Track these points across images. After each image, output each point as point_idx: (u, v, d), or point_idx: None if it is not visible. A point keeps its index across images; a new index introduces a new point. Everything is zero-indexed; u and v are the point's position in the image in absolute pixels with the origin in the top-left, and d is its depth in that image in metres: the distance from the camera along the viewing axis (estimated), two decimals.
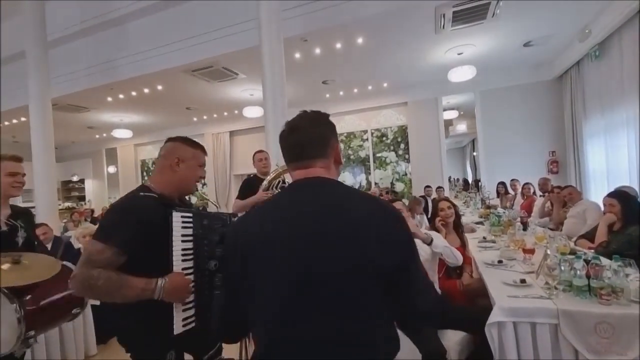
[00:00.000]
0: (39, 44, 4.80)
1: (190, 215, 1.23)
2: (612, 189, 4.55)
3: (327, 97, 7.96)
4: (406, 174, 8.15)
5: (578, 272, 1.62)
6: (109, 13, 5.22)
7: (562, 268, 1.69)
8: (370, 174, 8.45)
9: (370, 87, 7.49)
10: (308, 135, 0.96)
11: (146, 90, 6.34)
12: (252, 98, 7.04)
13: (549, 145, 6.82)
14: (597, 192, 5.33)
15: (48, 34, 4.97)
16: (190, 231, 1.22)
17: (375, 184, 8.18)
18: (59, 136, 5.87)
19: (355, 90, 7.62)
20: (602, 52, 5.01)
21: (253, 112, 7.12)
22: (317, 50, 5.20)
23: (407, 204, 5.04)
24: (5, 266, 1.16)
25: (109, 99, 6.67)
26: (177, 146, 1.37)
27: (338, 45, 5.09)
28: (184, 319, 1.18)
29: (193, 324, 1.21)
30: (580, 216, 3.43)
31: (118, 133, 8.25)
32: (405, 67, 6.22)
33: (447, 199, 2.98)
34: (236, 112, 8.30)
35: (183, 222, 1.20)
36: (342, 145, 8.75)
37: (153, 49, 5.20)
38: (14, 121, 7.55)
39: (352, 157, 8.71)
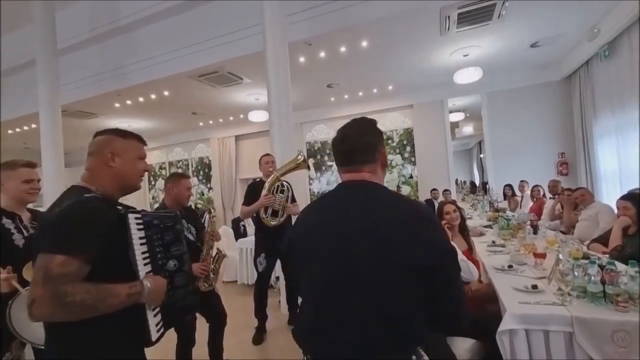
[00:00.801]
0: (50, 51, 4.88)
1: (140, 215, 1.12)
2: (624, 190, 4.46)
3: (332, 101, 7.96)
4: (412, 177, 8.09)
5: (592, 277, 1.57)
6: (117, 20, 5.30)
7: (576, 273, 1.64)
8: None
9: (375, 90, 7.47)
10: (356, 143, 1.07)
11: (153, 96, 6.41)
12: (258, 102, 7.07)
13: (558, 146, 6.71)
14: (608, 194, 5.22)
15: (58, 41, 5.06)
16: (142, 233, 1.10)
17: None
18: (67, 142, 5.94)
19: (360, 94, 7.61)
20: (611, 52, 4.92)
21: (258, 117, 7.15)
22: (322, 54, 5.20)
23: None
24: None
25: (117, 105, 6.75)
26: (109, 139, 1.19)
27: (342, 49, 5.08)
28: (156, 324, 1.09)
29: (162, 329, 1.12)
30: (593, 219, 3.35)
31: None
32: (411, 69, 6.19)
33: (452, 202, 2.95)
34: (241, 116, 8.35)
35: (137, 223, 1.09)
36: None
37: (161, 55, 5.26)
38: (25, 128, 7.69)
39: None
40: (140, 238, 1.09)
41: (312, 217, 1.09)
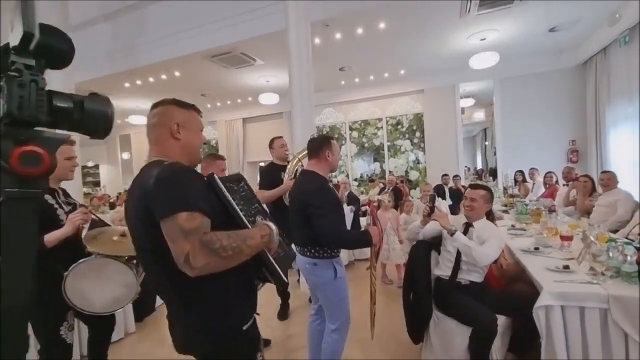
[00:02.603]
0: (61, 28, 4.79)
1: (219, 178, 1.11)
2: (637, 180, 4.50)
3: (342, 84, 7.88)
4: (419, 162, 8.11)
5: (629, 258, 1.63)
6: None
7: (611, 254, 1.70)
8: (384, 162, 8.43)
9: (386, 74, 7.40)
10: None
11: (164, 76, 6.34)
12: (268, 85, 7.01)
13: (569, 134, 6.71)
14: (620, 182, 5.26)
15: (70, 18, 4.95)
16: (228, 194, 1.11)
17: (390, 172, 8.15)
18: None
19: (371, 77, 7.53)
20: (631, 38, 4.87)
21: (269, 99, 7.10)
22: (338, 36, 5.12)
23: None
24: (115, 237, 1.31)
25: (127, 84, 6.68)
26: (173, 109, 1.15)
27: (359, 31, 5.01)
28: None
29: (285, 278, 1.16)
30: (612, 205, 3.40)
31: (134, 119, 8.30)
32: (425, 53, 6.11)
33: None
34: (250, 99, 8.28)
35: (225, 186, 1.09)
36: (356, 133, 8.70)
37: (175, 34, 5.17)
38: None
39: (366, 145, 8.67)
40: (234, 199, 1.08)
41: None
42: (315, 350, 2.04)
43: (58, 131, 0.61)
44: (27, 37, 0.51)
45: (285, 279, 1.13)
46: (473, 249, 1.95)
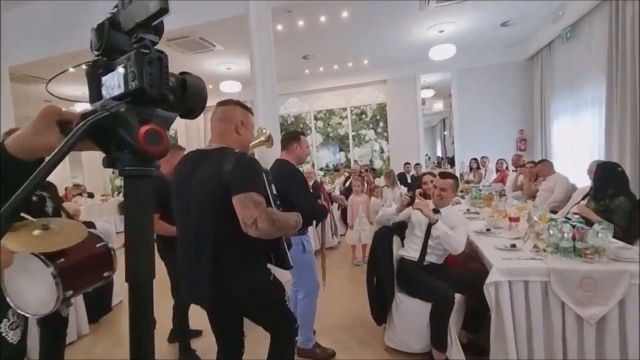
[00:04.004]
0: None
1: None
2: (577, 166, 4.95)
3: (307, 73, 7.81)
4: (384, 152, 8.32)
5: (566, 235, 1.79)
6: None
7: (551, 232, 1.86)
8: (349, 151, 8.53)
9: (350, 64, 7.43)
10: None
11: None
12: (230, 72, 6.76)
13: (519, 123, 7.20)
14: (561, 169, 5.75)
15: None
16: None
17: (355, 161, 8.28)
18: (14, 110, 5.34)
19: (336, 67, 7.53)
20: (573, 34, 5.27)
21: (230, 87, 6.86)
22: (301, 23, 5.04)
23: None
24: (36, 232, 1.12)
25: (71, 69, 6.10)
26: (238, 110, 1.46)
27: (322, 19, 4.96)
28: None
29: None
30: (551, 189, 3.72)
31: (81, 107, 7.63)
32: (388, 43, 6.21)
33: (430, 173, 3.20)
34: (210, 86, 7.94)
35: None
36: (321, 123, 8.70)
37: None
38: None
39: (331, 134, 8.71)
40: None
41: None
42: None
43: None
44: (162, 12, 0.48)
45: (291, 263, 1.44)
46: (452, 237, 2.08)
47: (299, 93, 8.57)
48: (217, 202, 1.29)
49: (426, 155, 13.08)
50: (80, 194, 7.53)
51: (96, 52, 0.56)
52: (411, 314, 2.14)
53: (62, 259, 1.23)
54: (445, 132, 13.66)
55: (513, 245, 2.04)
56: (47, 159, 0.44)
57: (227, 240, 1.31)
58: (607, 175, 2.64)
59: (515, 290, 1.75)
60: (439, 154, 15.12)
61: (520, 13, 5.33)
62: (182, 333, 2.36)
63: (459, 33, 5.83)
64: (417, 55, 6.64)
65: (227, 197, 1.26)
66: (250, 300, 1.40)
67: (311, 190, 2.57)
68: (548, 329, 1.72)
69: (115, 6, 0.54)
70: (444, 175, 2.34)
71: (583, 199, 2.83)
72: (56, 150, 0.44)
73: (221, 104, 1.47)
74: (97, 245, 1.36)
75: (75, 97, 7.64)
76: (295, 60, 6.78)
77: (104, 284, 1.37)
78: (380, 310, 2.29)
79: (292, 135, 2.30)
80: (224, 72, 6.81)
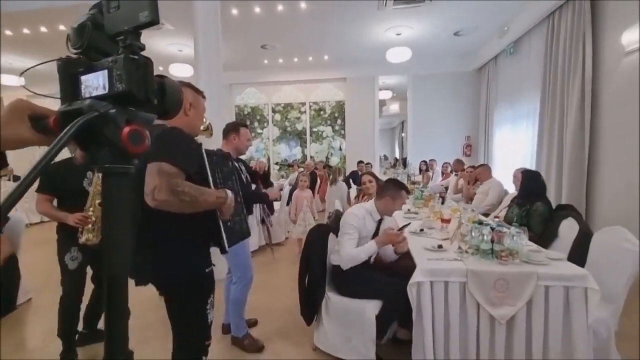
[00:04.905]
0: None
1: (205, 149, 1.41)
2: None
3: (266, 64, 7.58)
4: (341, 149, 8.37)
5: (485, 237, 1.85)
6: None
7: (473, 234, 1.92)
8: (306, 147, 8.47)
9: (310, 58, 7.33)
10: None
11: (43, 29, 5.23)
12: (182, 54, 6.35)
13: (466, 130, 7.62)
14: (500, 175, 6.16)
15: None
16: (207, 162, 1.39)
17: (311, 157, 8.24)
18: None
19: (296, 60, 7.39)
20: (516, 50, 5.64)
21: (182, 71, 6.45)
22: (257, 10, 4.84)
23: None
24: None
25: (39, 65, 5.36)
26: (188, 92, 1.44)
27: (280, 7, 4.80)
28: (227, 239, 1.37)
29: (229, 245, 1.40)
30: (487, 192, 3.95)
31: (5, 79, 6.74)
32: (347, 41, 6.20)
33: (369, 173, 3.26)
34: (161, 68, 7.42)
35: (205, 153, 1.37)
36: (278, 116, 8.53)
37: None
38: None
39: (289, 129, 8.58)
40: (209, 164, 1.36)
41: None
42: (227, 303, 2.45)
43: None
44: (153, 23, 0.52)
45: (226, 245, 1.35)
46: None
47: (257, 84, 8.32)
48: (143, 177, 1.22)
49: (384, 155, 13.47)
50: (6, 176, 6.68)
51: (75, 50, 0.57)
52: (342, 315, 2.09)
53: None
54: (403, 134, 14.13)
55: (440, 246, 2.09)
56: (43, 154, 0.44)
57: (154, 217, 1.22)
58: (530, 183, 2.82)
59: (437, 290, 1.78)
60: (398, 154, 15.61)
61: (471, 24, 5.58)
62: None
63: (415, 38, 5.98)
64: (376, 56, 6.73)
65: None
66: (170, 283, 1.33)
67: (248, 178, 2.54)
68: (464, 327, 1.77)
69: (94, 7, 0.57)
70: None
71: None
72: (50, 146, 0.45)
73: None
74: None
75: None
76: (253, 48, 6.54)
77: None
78: (310, 309, 2.24)
79: (232, 125, 2.33)
80: (175, 54, 6.38)
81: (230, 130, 2.29)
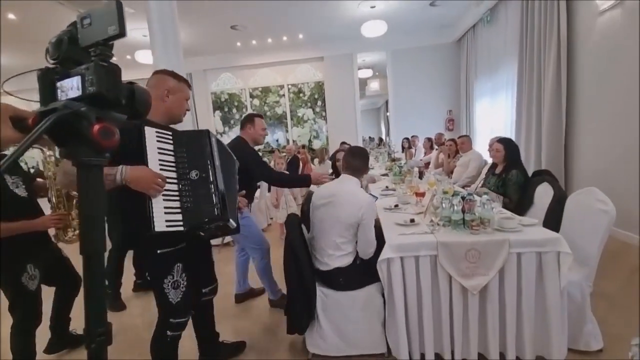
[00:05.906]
0: None
1: (170, 133, 1.37)
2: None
3: (239, 46, 7.28)
4: (324, 132, 8.21)
5: (455, 207, 1.78)
6: None
7: (444, 205, 1.84)
8: (288, 131, 8.28)
9: (285, 38, 7.06)
10: None
11: None
12: (145, 40, 5.99)
13: (448, 104, 7.52)
14: (481, 148, 6.14)
15: None
16: (170, 147, 1.35)
17: (293, 141, 8.07)
18: None
19: (270, 40, 7.11)
20: (492, 18, 5.49)
21: (148, 57, 6.10)
22: None
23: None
24: None
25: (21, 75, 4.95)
26: (166, 78, 1.49)
27: None
28: (167, 221, 1.25)
29: (180, 228, 1.28)
30: (467, 164, 3.89)
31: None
32: (320, 17, 5.95)
33: (342, 150, 3.11)
34: (128, 57, 7.05)
35: (158, 136, 1.32)
36: (257, 101, 8.29)
37: None
38: None
39: (268, 113, 8.36)
40: (161, 149, 1.31)
41: None
42: (241, 278, 2.70)
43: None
44: (120, 36, 0.60)
45: (154, 226, 1.22)
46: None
47: (232, 68, 8.02)
48: None
49: (369, 137, 13.35)
50: None
51: (53, 61, 0.66)
52: (347, 308, 1.88)
53: None
54: (388, 114, 13.99)
55: (412, 220, 2.01)
56: (18, 145, 0.52)
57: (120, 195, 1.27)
58: (512, 151, 2.74)
59: (407, 266, 1.71)
60: (384, 134, 15.52)
61: None
62: None
63: (390, 10, 5.77)
64: (352, 32, 6.50)
65: None
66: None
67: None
68: (437, 301, 1.71)
69: (71, 24, 0.65)
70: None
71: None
72: (24, 140, 0.52)
73: (155, 72, 1.53)
74: None
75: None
76: (222, 30, 6.24)
77: None
78: (308, 312, 1.91)
79: (247, 117, 2.52)
80: (140, 40, 6.03)
81: (246, 121, 2.49)
